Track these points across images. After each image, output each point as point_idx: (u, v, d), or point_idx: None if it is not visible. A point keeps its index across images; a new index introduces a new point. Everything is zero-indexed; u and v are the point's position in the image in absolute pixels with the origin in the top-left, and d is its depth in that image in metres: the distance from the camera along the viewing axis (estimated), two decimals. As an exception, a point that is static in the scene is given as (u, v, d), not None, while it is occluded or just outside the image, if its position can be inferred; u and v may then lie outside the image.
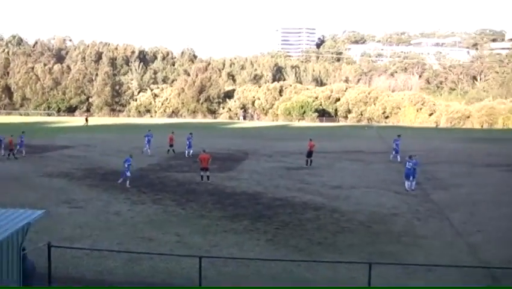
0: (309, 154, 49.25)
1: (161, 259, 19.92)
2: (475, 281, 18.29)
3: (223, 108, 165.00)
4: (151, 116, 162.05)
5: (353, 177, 42.70)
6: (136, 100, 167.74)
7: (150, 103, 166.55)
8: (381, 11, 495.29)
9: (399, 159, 50.67)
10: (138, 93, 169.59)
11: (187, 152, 54.63)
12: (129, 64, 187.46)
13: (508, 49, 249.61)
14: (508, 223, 27.41)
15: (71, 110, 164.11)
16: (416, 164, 37.51)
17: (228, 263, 19.92)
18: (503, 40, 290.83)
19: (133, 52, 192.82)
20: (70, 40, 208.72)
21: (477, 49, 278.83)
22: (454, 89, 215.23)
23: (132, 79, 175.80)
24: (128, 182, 36.44)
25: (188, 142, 55.31)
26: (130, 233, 24.37)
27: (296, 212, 29.47)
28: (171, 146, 57.03)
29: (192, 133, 58.36)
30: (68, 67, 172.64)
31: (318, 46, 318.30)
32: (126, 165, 36.90)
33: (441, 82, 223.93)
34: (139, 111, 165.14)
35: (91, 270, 19.06)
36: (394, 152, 53.13)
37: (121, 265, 19.60)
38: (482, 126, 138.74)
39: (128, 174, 36.67)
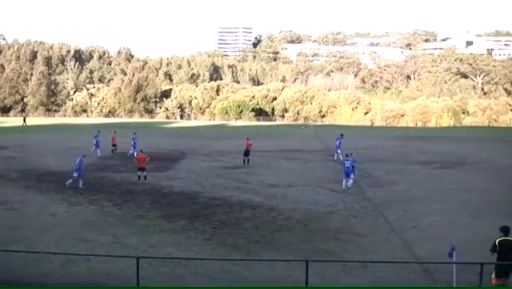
0: (247, 153, 49.29)
1: (99, 261, 19.67)
2: (411, 277, 18.58)
3: (160, 108, 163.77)
4: (87, 116, 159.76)
5: (290, 176, 42.85)
6: (72, 100, 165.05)
7: (87, 103, 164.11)
8: (317, 11, 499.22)
9: (340, 158, 50.99)
10: (74, 92, 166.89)
11: (131, 152, 53.84)
12: (65, 63, 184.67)
13: (440, 49, 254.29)
14: (440, 219, 27.87)
15: (5, 110, 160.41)
16: (354, 162, 37.95)
17: (166, 263, 19.79)
18: (435, 40, 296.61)
19: (68, 51, 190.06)
20: (4, 39, 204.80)
21: (410, 49, 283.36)
22: (389, 88, 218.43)
23: (67, 79, 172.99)
24: (81, 182, 35.95)
25: (133, 143, 54.68)
26: (67, 234, 23.99)
27: (233, 211, 29.48)
28: (114, 145, 56.41)
29: (136, 133, 57.91)
30: (2, 66, 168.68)
31: (255, 45, 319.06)
32: (78, 166, 36.34)
33: (376, 82, 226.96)
34: (75, 111, 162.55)
35: (26, 273, 18.62)
36: (338, 150, 53.04)
37: (58, 268, 19.23)
38: (416, 125, 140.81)
39: (79, 174, 36.11)
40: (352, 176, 37.23)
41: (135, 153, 50.05)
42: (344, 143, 54.07)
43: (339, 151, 52.25)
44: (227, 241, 23.48)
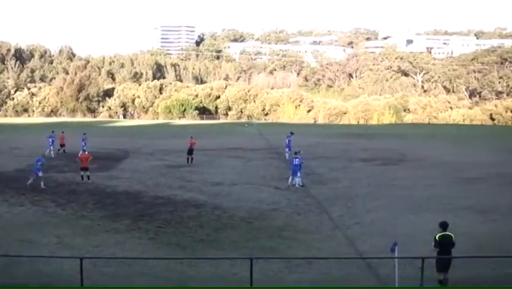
0: (190, 152, 49.17)
1: (42, 262, 19.33)
2: (355, 272, 18.78)
3: (103, 107, 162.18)
4: (29, 116, 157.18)
5: (233, 174, 43.00)
6: (13, 100, 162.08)
7: (28, 103, 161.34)
8: (259, 10, 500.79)
9: (287, 157, 51.25)
10: (15, 92, 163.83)
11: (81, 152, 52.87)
12: (5, 62, 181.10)
13: (381, 47, 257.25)
14: (382, 215, 28.27)
15: None
16: (301, 160, 38.14)
17: (110, 263, 19.58)
18: (376, 38, 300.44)
19: (9, 50, 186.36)
20: None
21: (352, 47, 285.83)
22: (331, 86, 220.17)
23: (8, 78, 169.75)
24: (42, 182, 35.36)
25: (83, 143, 53.97)
26: (9, 236, 23.53)
27: (177, 210, 29.41)
28: (62, 145, 55.55)
29: (86, 133, 57.27)
30: None
31: (198, 43, 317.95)
32: (38, 165, 35.80)
33: (318, 80, 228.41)
34: (16, 111, 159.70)
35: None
36: (287, 149, 53.05)
37: (-1, 270, 18.88)
38: (358, 122, 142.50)
39: (40, 174, 35.55)
40: (299, 174, 37.33)
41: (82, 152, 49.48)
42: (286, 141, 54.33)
43: (287, 150, 52.27)
44: (171, 240, 23.43)
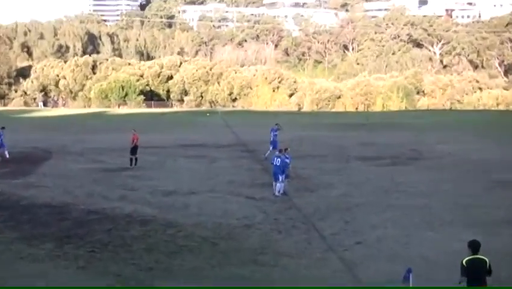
0: (134, 150, 48.71)
1: None
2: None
3: (16, 92, 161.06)
4: None
5: (192, 180, 42.78)
6: None
7: None
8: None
9: (266, 155, 50.91)
10: None
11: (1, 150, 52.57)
12: None
13: (386, 10, 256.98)
14: (391, 231, 28.18)
15: None
16: (288, 160, 37.87)
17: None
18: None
19: None
20: None
21: (347, 10, 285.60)
22: (320, 62, 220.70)
23: None
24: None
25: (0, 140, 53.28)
26: None
27: (117, 228, 29.01)
28: None
29: (4, 127, 56.37)
30: None
31: (142, 7, 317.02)
32: None
33: (303, 54, 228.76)
34: None
35: None
36: (271, 147, 52.17)
37: None
38: (356, 109, 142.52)
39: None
40: (280, 178, 36.87)
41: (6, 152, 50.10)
42: (260, 134, 54.30)
43: (271, 147, 51.42)
44: (109, 269, 23.10)
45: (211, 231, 28.75)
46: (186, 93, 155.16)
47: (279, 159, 37.06)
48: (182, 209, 33.56)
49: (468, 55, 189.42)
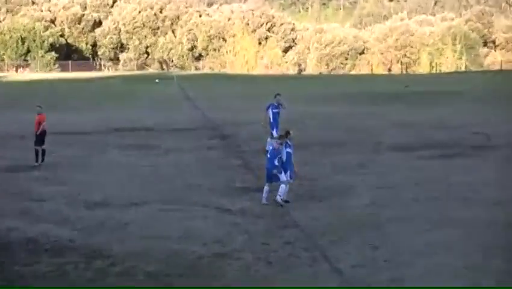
0: (40, 139, 37.83)
1: None
2: None
3: None
4: None
5: (133, 183, 32.12)
6: None
7: None
8: None
9: (270, 146, 38.86)
10: None
11: None
12: None
13: None
14: (446, 260, 20.19)
15: None
16: (289, 149, 27.75)
17: None
18: None
19: None
20: None
21: None
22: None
23: None
24: None
25: None
26: None
27: (15, 261, 21.34)
28: None
29: None
30: None
31: None
32: None
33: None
34: None
35: None
36: (273, 130, 38.87)
37: None
38: (389, 70, 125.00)
39: None
40: (283, 176, 26.88)
41: None
42: (239, 110, 45.61)
43: (274, 130, 38.64)
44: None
45: (163, 264, 20.86)
46: (122, 47, 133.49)
47: (271, 147, 28.10)
48: (117, 229, 24.47)
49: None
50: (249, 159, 37.07)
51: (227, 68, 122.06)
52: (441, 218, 24.55)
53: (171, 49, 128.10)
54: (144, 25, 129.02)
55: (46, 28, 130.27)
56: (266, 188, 26.98)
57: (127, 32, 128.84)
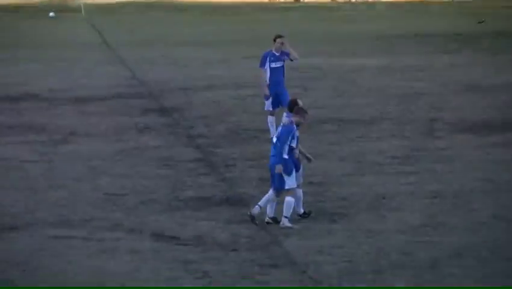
0: None
1: None
2: None
3: None
4: None
5: (7, 192, 20.28)
6: None
7: None
8: None
9: (273, 136, 25.21)
10: None
11: None
12: None
13: None
14: None
15: None
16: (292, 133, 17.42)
17: None
18: None
19: None
20: None
21: None
22: None
23: None
24: None
25: None
26: None
27: None
28: None
29: None
30: None
31: None
32: None
33: None
34: None
35: None
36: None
37: None
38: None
39: None
40: (290, 181, 16.87)
41: None
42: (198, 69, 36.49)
43: (270, 105, 27.21)
44: None
45: None
46: None
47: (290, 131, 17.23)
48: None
49: None
50: (211, 149, 24.49)
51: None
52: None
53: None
54: None
55: None
56: (271, 192, 17.16)
57: None
